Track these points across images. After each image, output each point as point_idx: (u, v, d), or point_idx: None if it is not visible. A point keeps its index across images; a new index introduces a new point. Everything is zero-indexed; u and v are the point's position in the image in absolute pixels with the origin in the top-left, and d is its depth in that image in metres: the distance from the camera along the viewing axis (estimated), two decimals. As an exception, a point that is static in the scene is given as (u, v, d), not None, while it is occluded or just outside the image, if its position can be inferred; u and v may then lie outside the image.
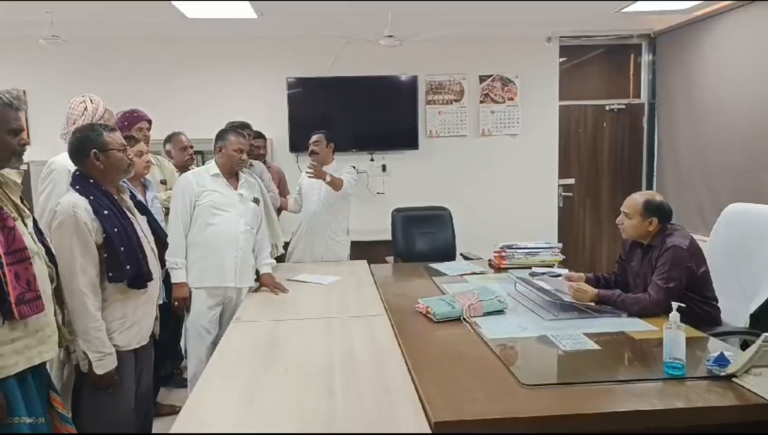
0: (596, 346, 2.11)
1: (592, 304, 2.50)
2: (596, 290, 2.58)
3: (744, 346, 2.40)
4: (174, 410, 3.33)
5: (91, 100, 2.74)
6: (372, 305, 2.79)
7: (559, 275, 3.13)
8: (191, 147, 3.79)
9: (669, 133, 5.52)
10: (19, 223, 1.78)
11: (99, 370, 2.04)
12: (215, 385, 1.90)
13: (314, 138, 4.03)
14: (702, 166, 4.95)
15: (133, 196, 2.37)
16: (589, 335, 2.21)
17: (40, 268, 1.82)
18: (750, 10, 4.39)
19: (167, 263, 2.78)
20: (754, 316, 2.56)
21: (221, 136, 3.11)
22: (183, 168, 3.66)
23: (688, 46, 5.12)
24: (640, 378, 1.83)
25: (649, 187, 5.79)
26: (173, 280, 2.86)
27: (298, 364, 2.03)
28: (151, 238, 2.30)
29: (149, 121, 3.40)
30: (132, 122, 3.30)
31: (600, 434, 1.61)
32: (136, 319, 2.17)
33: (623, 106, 5.87)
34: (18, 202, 1.85)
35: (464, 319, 2.43)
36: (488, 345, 2.14)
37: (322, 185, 3.82)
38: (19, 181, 1.88)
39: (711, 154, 4.86)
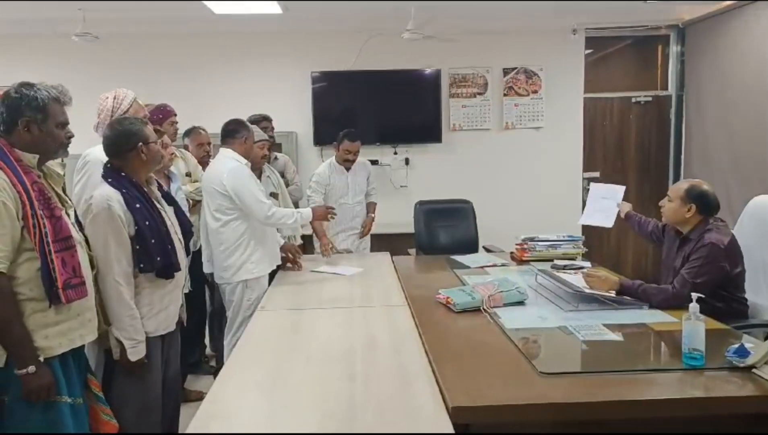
0: (616, 337, 2.12)
1: (613, 294, 2.50)
2: (617, 279, 2.57)
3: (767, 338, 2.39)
4: (201, 396, 3.39)
5: (116, 95, 2.83)
6: (394, 296, 2.84)
7: (582, 268, 3.13)
8: (209, 143, 3.84)
9: (697, 124, 5.42)
10: (64, 213, 1.87)
11: (133, 357, 2.10)
12: (240, 371, 1.97)
13: (355, 146, 3.95)
14: (731, 158, 4.86)
15: (160, 187, 2.45)
16: (609, 326, 2.22)
17: (82, 255, 1.91)
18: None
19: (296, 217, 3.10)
20: (779, 310, 2.54)
21: (245, 126, 3.15)
22: (199, 163, 3.73)
23: (719, 36, 5.02)
24: (658, 368, 1.84)
25: (676, 180, 5.70)
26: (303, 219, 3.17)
27: (320, 351, 2.09)
28: (178, 229, 2.37)
29: (175, 115, 3.51)
30: (165, 116, 3.41)
31: (615, 422, 1.63)
32: (163, 306, 2.24)
33: (650, 99, 5.78)
34: (61, 192, 1.95)
35: (484, 309, 2.46)
36: (507, 335, 2.16)
37: (351, 182, 3.99)
38: (62, 172, 1.98)
39: (740, 145, 4.76)
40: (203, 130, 3.87)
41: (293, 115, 5.49)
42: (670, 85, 5.79)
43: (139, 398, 2.18)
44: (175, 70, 5.51)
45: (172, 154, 3.42)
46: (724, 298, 2.49)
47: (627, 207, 3.24)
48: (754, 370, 1.77)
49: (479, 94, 5.61)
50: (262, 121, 4.08)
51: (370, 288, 3.01)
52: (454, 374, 1.80)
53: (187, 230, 2.46)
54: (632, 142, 5.83)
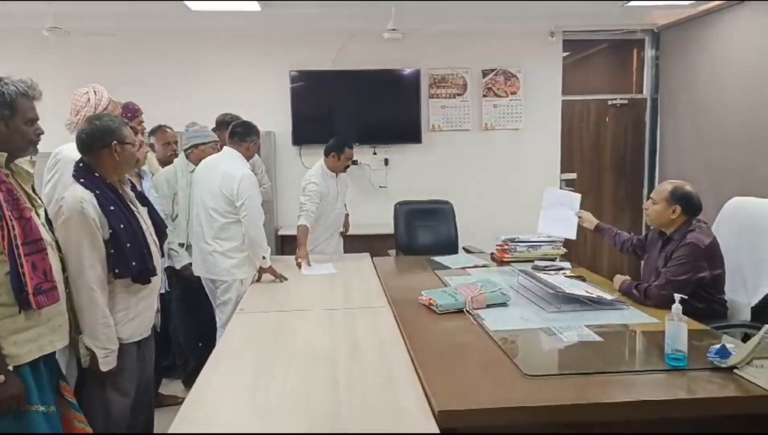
0: (598, 338, 2.12)
1: (595, 295, 2.51)
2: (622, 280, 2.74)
3: (745, 338, 2.41)
4: (176, 401, 3.35)
5: (95, 91, 2.75)
6: (375, 297, 2.81)
7: (562, 268, 3.16)
8: (176, 142, 3.78)
9: (671, 127, 5.52)
10: (34, 214, 1.79)
11: (104, 367, 2.02)
12: (219, 375, 1.91)
13: (353, 151, 3.98)
14: (704, 161, 4.95)
15: (133, 187, 2.38)
16: (592, 327, 2.22)
17: (54, 258, 1.83)
18: (754, 5, 4.37)
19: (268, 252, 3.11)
20: (755, 309, 2.57)
21: (256, 132, 3.26)
22: (166, 163, 3.67)
23: (692, 41, 5.11)
24: (642, 369, 1.85)
25: (651, 182, 5.79)
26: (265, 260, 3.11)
27: (302, 355, 2.04)
28: (153, 231, 2.30)
29: (142, 114, 3.45)
30: (134, 114, 3.32)
31: (602, 423, 1.62)
32: (138, 312, 2.17)
33: (626, 101, 5.86)
34: (30, 191, 1.86)
35: (467, 310, 2.45)
36: (491, 336, 2.15)
37: (340, 188, 3.97)
38: (31, 170, 1.89)
39: (713, 149, 4.85)
40: (169, 128, 3.80)
41: (271, 114, 5.42)
42: (645, 89, 5.88)
43: (111, 406, 2.10)
44: (149, 67, 5.39)
45: (147, 152, 3.38)
46: (704, 299, 2.52)
47: (589, 217, 3.19)
48: (735, 371, 1.79)
49: (458, 94, 5.61)
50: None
51: (351, 290, 2.98)
52: (439, 377, 1.78)
53: (162, 231, 2.39)
54: (608, 144, 5.90)
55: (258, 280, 3.17)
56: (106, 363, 2.03)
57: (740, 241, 2.78)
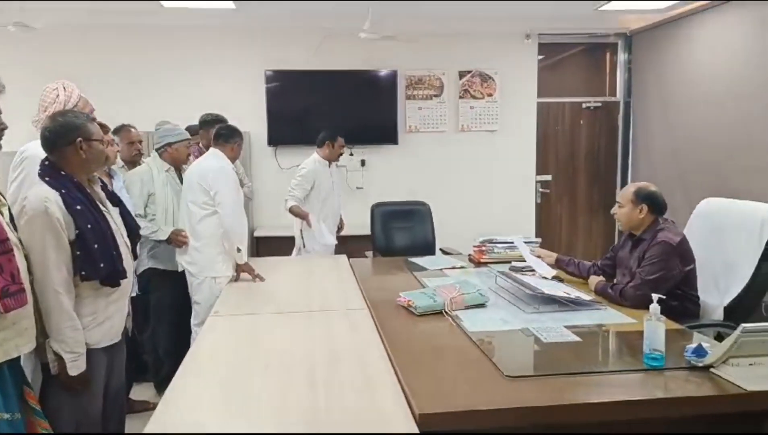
0: (577, 338, 2.13)
1: (573, 296, 2.52)
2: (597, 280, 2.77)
3: (718, 337, 2.45)
4: (147, 407, 3.28)
5: (65, 88, 2.65)
6: (353, 299, 2.77)
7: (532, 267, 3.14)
8: (140, 141, 3.70)
9: (643, 130, 5.61)
10: None
11: (73, 371, 1.95)
12: (193, 380, 1.86)
13: (343, 140, 4.30)
14: (675, 163, 5.04)
15: (104, 187, 2.30)
16: (570, 328, 2.23)
17: (20, 259, 1.76)
18: (724, 10, 4.47)
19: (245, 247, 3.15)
20: (728, 309, 2.61)
21: (239, 134, 3.38)
22: (130, 163, 3.60)
23: (664, 45, 5.20)
24: (621, 369, 1.85)
25: (624, 184, 5.87)
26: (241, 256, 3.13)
27: (279, 358, 2.00)
28: (124, 231, 2.23)
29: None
30: (91, 110, 3.23)
31: (583, 424, 1.62)
32: (107, 316, 2.09)
33: (600, 104, 5.94)
34: None
35: (446, 312, 2.43)
36: (470, 338, 2.13)
37: (334, 177, 4.31)
38: None
39: (684, 151, 4.94)
40: (133, 127, 3.72)
41: (246, 114, 5.34)
42: (619, 92, 5.97)
43: (78, 413, 2.02)
44: (119, 64, 5.28)
45: (117, 151, 3.30)
46: (678, 297, 2.54)
47: (547, 253, 3.18)
48: (711, 370, 1.80)
49: (435, 96, 5.61)
50: (216, 122, 4.01)
51: (328, 292, 2.94)
52: (419, 380, 1.76)
53: (135, 232, 2.32)
54: (582, 147, 5.97)
55: (236, 280, 3.14)
56: (75, 367, 1.96)
57: (712, 241, 2.82)
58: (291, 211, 4.10)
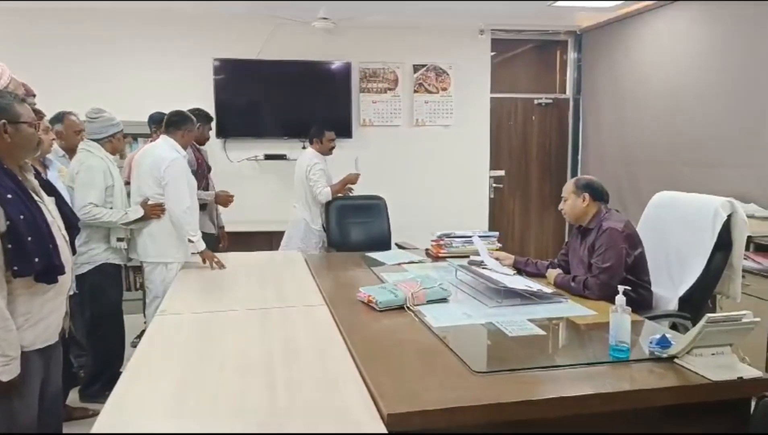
0: (541, 332, 2.10)
1: (535, 289, 2.50)
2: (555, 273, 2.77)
3: (673, 328, 2.48)
4: (86, 414, 3.09)
5: None
6: (310, 295, 2.66)
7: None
8: (83, 130, 3.48)
9: (593, 127, 5.72)
10: None
11: (5, 376, 1.77)
12: (141, 384, 1.71)
13: (333, 134, 4.48)
14: (624, 158, 5.16)
15: (38, 175, 2.11)
16: (533, 321, 2.20)
17: None
18: (673, 9, 4.59)
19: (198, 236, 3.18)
20: (682, 300, 2.65)
21: (190, 120, 3.37)
22: (72, 152, 3.42)
23: (613, 44, 5.31)
24: (588, 362, 1.82)
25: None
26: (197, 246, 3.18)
27: (235, 358, 1.88)
28: (62, 224, 2.05)
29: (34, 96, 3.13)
30: (28, 93, 2.99)
31: (554, 419, 1.58)
32: (43, 315, 1.92)
33: (551, 101, 6.02)
34: None
35: (408, 307, 2.36)
36: (434, 333, 2.07)
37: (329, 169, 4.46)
38: None
39: (633, 146, 5.07)
40: (75, 115, 3.50)
41: (193, 104, 5.06)
42: (568, 89, 6.07)
43: (9, 422, 1.84)
44: (57, 49, 4.96)
45: (52, 139, 3.08)
46: (631, 283, 2.55)
47: (504, 255, 3.12)
48: (676, 361, 1.80)
49: (390, 89, 5.55)
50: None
51: (283, 288, 2.82)
52: (385, 377, 1.67)
53: (73, 225, 2.13)
54: (535, 142, 6.04)
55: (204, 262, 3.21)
56: (7, 372, 1.77)
57: (666, 234, 2.87)
58: (331, 192, 4.29)
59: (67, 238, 2.04)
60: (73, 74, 4.94)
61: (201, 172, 4.03)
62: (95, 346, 3.31)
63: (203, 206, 3.88)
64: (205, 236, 3.51)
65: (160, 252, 3.25)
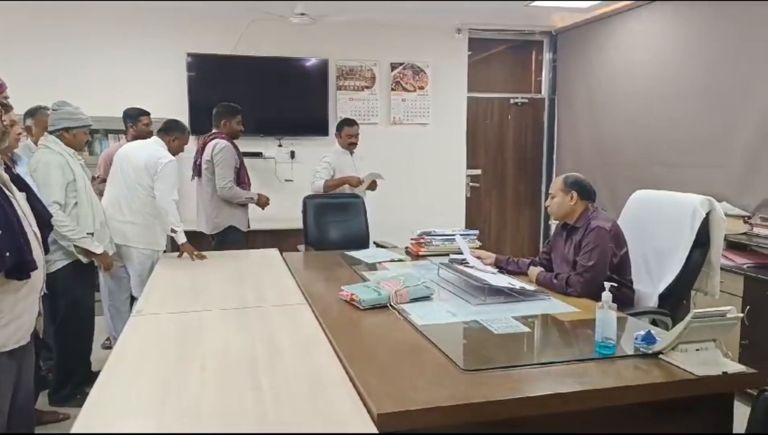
0: (526, 329, 2.10)
1: (518, 286, 2.50)
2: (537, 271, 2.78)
3: (653, 324, 2.50)
4: (57, 417, 2.98)
5: None
6: (291, 294, 2.62)
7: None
8: None
9: (568, 127, 5.78)
10: None
11: None
12: (120, 384, 1.65)
13: (354, 129, 4.48)
14: (599, 158, 5.22)
15: (8, 169, 2.02)
16: (518, 318, 2.19)
17: None
18: (647, 10, 4.66)
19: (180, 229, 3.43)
20: (662, 296, 2.68)
21: (181, 129, 3.65)
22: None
23: (588, 45, 5.37)
24: (576, 359, 1.82)
25: (549, 178, 6.04)
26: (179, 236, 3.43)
27: (216, 359, 1.82)
28: (33, 220, 1.97)
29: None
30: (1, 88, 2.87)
31: (545, 416, 1.57)
32: (15, 315, 1.84)
33: (526, 101, 6.06)
34: None
35: (391, 305, 2.33)
36: (420, 331, 2.05)
37: (355, 164, 4.50)
38: None
39: (607, 146, 5.13)
40: (48, 109, 3.36)
41: (165, 100, 5.02)
42: (544, 89, 6.12)
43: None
44: (25, 43, 4.78)
45: (20, 134, 2.97)
46: (615, 282, 2.57)
47: (486, 254, 3.11)
48: (661, 356, 1.81)
49: (367, 87, 5.51)
50: (142, 116, 4.25)
51: (262, 287, 2.76)
52: (373, 376, 1.64)
53: (46, 222, 2.05)
54: (510, 142, 6.08)
55: (179, 256, 3.42)
56: None
57: (645, 232, 2.89)
58: (325, 185, 4.33)
59: (39, 235, 1.95)
60: (42, 69, 4.77)
61: (244, 171, 4.13)
62: (64, 346, 3.18)
63: (244, 205, 4.09)
64: (239, 233, 4.04)
65: (138, 236, 3.45)
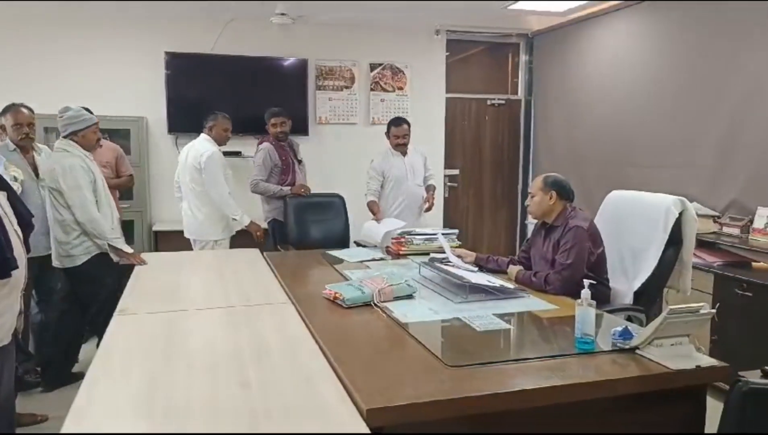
0: (507, 326, 2.15)
1: (498, 284, 2.55)
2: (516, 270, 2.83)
3: (628, 320, 2.58)
4: (35, 419, 2.94)
5: None
6: (274, 293, 2.62)
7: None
8: (30, 124, 3.35)
9: (544, 128, 5.88)
10: None
11: None
12: (108, 385, 1.64)
13: (401, 130, 4.32)
14: (573, 158, 5.33)
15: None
16: (499, 315, 2.24)
17: None
18: (623, 14, 4.77)
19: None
20: (637, 293, 2.77)
21: (212, 117, 4.02)
22: (21, 148, 3.31)
23: (563, 47, 5.47)
24: (556, 354, 1.87)
25: (525, 178, 6.14)
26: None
27: (203, 358, 1.83)
28: (14, 219, 1.95)
29: None
30: None
31: (530, 409, 1.61)
32: None
33: (503, 102, 6.15)
34: None
35: (375, 304, 2.36)
36: (405, 329, 2.08)
37: (408, 165, 4.37)
38: None
39: (581, 147, 5.24)
40: (26, 108, 3.33)
41: (143, 98, 4.98)
42: (520, 90, 6.21)
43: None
44: (3, 42, 4.68)
45: (-1, 133, 2.93)
46: (592, 280, 2.65)
47: (467, 253, 3.15)
48: (637, 351, 1.88)
49: (346, 87, 5.53)
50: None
51: (245, 286, 2.76)
52: (360, 374, 1.67)
53: (27, 222, 2.03)
54: (487, 142, 6.16)
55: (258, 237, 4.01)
56: None
57: (621, 231, 2.98)
58: (368, 205, 4.28)
59: (20, 235, 1.93)
60: (17, 68, 4.69)
61: (285, 168, 4.32)
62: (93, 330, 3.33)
63: (282, 198, 4.31)
64: (279, 224, 4.34)
65: (207, 230, 3.94)
